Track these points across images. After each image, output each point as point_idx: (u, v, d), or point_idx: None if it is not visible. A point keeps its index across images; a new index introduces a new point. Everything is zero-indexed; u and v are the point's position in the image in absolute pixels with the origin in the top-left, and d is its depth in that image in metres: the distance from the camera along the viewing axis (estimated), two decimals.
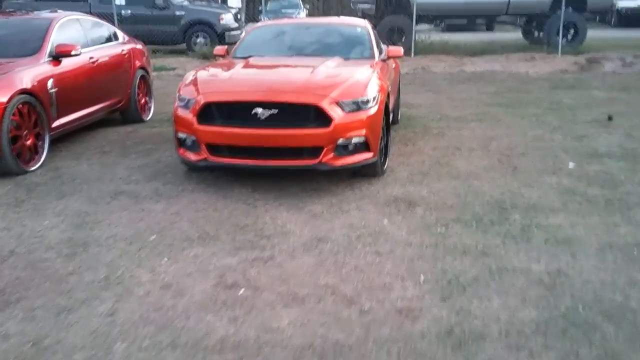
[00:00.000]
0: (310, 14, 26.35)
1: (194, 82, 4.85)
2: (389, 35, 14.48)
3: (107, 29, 7.62)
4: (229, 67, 5.19)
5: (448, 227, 3.99)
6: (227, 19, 15.27)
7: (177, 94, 4.84)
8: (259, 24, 6.52)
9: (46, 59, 5.91)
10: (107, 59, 7.09)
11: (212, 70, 5.10)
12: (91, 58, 6.68)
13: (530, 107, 8.59)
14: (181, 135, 4.76)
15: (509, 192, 4.73)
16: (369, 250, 3.60)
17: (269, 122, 4.45)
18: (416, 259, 3.48)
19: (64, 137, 6.49)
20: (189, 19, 15.17)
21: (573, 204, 4.42)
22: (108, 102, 7.10)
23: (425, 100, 9.55)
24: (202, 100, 4.56)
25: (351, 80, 4.78)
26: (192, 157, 4.71)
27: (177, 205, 4.39)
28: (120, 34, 7.91)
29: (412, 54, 14.15)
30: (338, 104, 4.50)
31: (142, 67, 8.04)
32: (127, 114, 7.72)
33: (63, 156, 5.97)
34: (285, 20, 7.19)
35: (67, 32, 6.50)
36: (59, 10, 7.05)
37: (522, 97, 9.53)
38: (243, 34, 6.43)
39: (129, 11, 14.96)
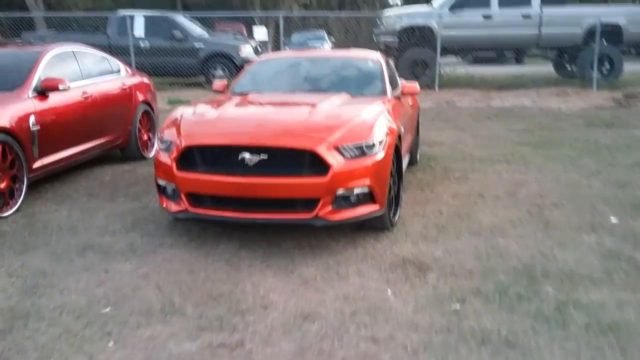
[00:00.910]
0: (335, 46, 26.09)
1: (177, 122, 4.29)
2: (412, 68, 13.92)
3: (107, 62, 7.19)
4: (219, 105, 4.62)
5: (465, 303, 3.28)
6: (247, 51, 14.93)
7: (159, 136, 4.29)
8: (263, 56, 6.00)
9: (30, 94, 5.46)
10: (103, 93, 6.64)
11: (200, 109, 4.54)
12: (84, 93, 6.23)
13: (564, 147, 7.84)
14: (161, 182, 4.19)
15: (540, 254, 4.00)
16: (363, 335, 2.91)
17: (258, 169, 3.85)
18: (422, 350, 2.78)
19: (53, 177, 6.01)
20: (208, 51, 14.89)
21: (619, 273, 3.66)
22: (103, 139, 6.63)
23: (448, 138, 8.87)
24: (182, 143, 3.99)
25: (355, 121, 4.16)
26: (172, 207, 4.13)
27: (148, 266, 3.78)
28: (122, 67, 7.49)
29: (437, 88, 13.54)
30: (338, 149, 3.88)
31: (146, 102, 7.59)
32: (126, 151, 7.24)
33: (45, 199, 5.46)
34: (290, 53, 6.65)
35: (59, 66, 6.06)
36: (52, 43, 6.66)
37: (554, 135, 8.78)
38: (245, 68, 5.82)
39: (148, 43, 14.75)
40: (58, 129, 5.68)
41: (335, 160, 3.84)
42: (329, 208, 3.89)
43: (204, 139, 3.99)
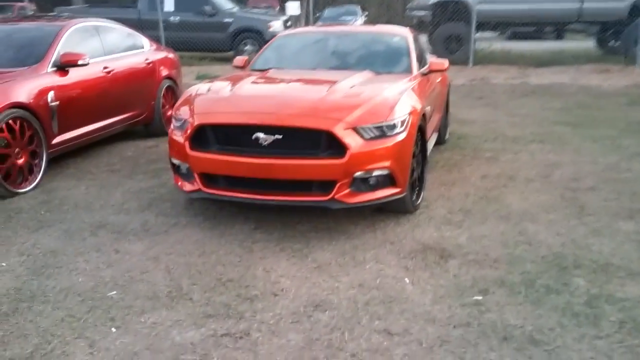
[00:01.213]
0: (368, 22, 25.57)
1: (190, 99, 4.14)
2: (446, 44, 13.48)
3: (131, 36, 7.09)
4: (235, 82, 4.45)
5: (487, 294, 3.07)
6: (276, 26, 14.68)
7: (174, 113, 4.16)
8: (285, 32, 5.78)
9: (49, 69, 5.39)
10: (125, 68, 6.54)
11: (215, 86, 4.38)
12: (105, 68, 6.14)
13: (603, 127, 7.43)
14: (175, 161, 4.07)
15: (572, 242, 3.75)
16: (376, 327, 2.74)
17: (273, 149, 3.69)
18: (437, 345, 2.60)
19: (76, 152, 5.99)
20: (237, 26, 14.72)
21: None
22: (126, 114, 6.56)
23: (481, 116, 8.54)
24: (194, 122, 3.85)
25: (375, 100, 3.94)
26: (186, 187, 4.01)
27: (159, 246, 3.68)
28: (146, 42, 7.38)
29: (471, 64, 13.08)
30: (356, 129, 3.68)
31: (170, 77, 7.48)
32: (150, 127, 7.17)
33: (66, 175, 5.42)
34: (314, 28, 6.40)
35: (80, 40, 5.98)
36: (76, 17, 6.58)
37: (594, 114, 8.34)
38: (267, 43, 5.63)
39: (178, 18, 14.66)
40: (78, 104, 5.61)
41: (353, 141, 3.64)
42: (347, 190, 3.70)
43: (217, 117, 3.83)
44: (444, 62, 5.10)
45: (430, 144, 5.40)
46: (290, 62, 5.24)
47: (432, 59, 5.12)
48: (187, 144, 3.86)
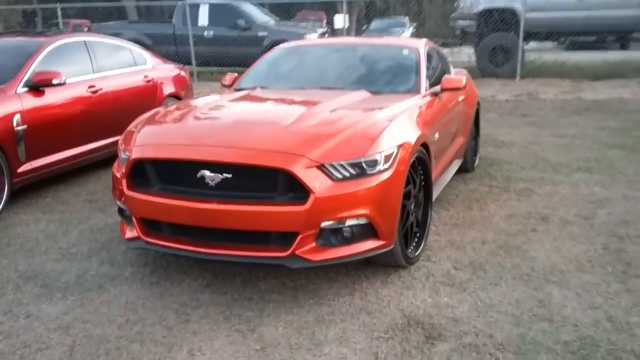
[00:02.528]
0: (416, 34, 24.71)
1: (136, 127, 3.48)
2: (492, 56, 12.44)
3: (129, 52, 6.57)
4: (196, 105, 3.77)
5: None
6: (312, 39, 14.04)
7: (119, 144, 3.51)
8: (282, 45, 5.07)
9: (21, 89, 4.89)
10: (118, 87, 6.01)
11: (171, 110, 3.71)
12: (91, 87, 5.62)
13: None
14: (118, 203, 3.41)
15: (609, 321, 2.82)
16: None
17: (222, 192, 2.96)
18: None
19: (64, 176, 5.50)
20: (272, 40, 14.15)
21: None
22: (117, 137, 5.99)
23: (522, 137, 7.55)
24: (132, 155, 3.17)
25: (355, 128, 3.15)
26: (127, 233, 3.33)
27: (80, 309, 3.01)
28: (148, 57, 6.86)
29: (518, 77, 11.98)
30: (323, 167, 2.90)
31: (175, 96, 6.93)
32: None
33: (38, 205, 4.89)
34: (315, 40, 5.66)
35: (64, 58, 5.49)
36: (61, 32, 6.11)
37: None
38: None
39: (212, 32, 14.29)
40: (53, 128, 5.09)
41: (318, 182, 2.86)
42: (312, 245, 2.93)
43: (157, 150, 3.14)
44: (460, 79, 4.25)
45: (445, 177, 4.55)
46: (279, 79, 4.52)
47: (446, 76, 4.27)
48: (124, 182, 3.19)
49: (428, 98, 4.10)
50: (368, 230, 3.02)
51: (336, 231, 2.97)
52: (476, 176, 5.66)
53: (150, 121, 3.51)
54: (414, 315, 2.89)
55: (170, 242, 3.12)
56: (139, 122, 3.58)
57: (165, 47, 14.11)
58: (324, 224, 2.90)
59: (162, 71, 6.96)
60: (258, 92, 4.17)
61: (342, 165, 2.93)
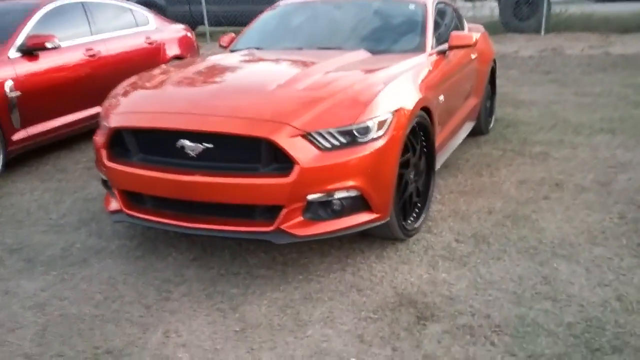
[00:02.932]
0: None
1: (117, 93, 3.30)
2: (516, 9, 11.84)
3: (130, 13, 6.35)
4: (182, 68, 3.55)
5: None
6: None
7: (100, 111, 3.33)
8: (282, 1, 4.79)
9: (13, 54, 4.73)
10: (118, 50, 5.82)
11: (159, 74, 3.49)
12: (89, 50, 5.44)
13: None
14: (100, 173, 3.26)
15: (619, 301, 2.60)
16: None
17: (204, 162, 2.78)
18: None
19: (66, 143, 5.42)
20: None
21: None
22: None
23: (543, 96, 7.18)
24: (110, 123, 3.00)
25: (345, 93, 2.91)
26: (110, 205, 3.19)
27: (60, 285, 2.90)
28: (152, 18, 6.63)
29: (542, 32, 11.40)
30: (310, 136, 2.68)
31: (179, 57, 6.71)
32: None
33: (37, 173, 4.80)
34: None
35: (60, 21, 5.30)
36: None
37: None
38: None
39: None
40: (49, 93, 4.95)
41: (304, 152, 2.65)
42: (299, 219, 2.74)
43: (135, 119, 2.95)
44: (470, 36, 3.93)
45: (454, 142, 4.31)
46: (276, 39, 4.27)
47: (454, 33, 3.96)
48: (104, 153, 3.03)
49: (434, 57, 3.82)
50: (360, 203, 2.82)
51: (325, 204, 2.78)
52: (490, 139, 5.37)
53: (133, 87, 3.32)
54: (407, 293, 2.71)
55: (153, 215, 2.96)
56: (121, 87, 3.39)
57: (179, 6, 13.82)
58: (311, 196, 2.71)
59: (166, 32, 6.74)
60: (250, 54, 3.93)
61: (330, 134, 2.71)
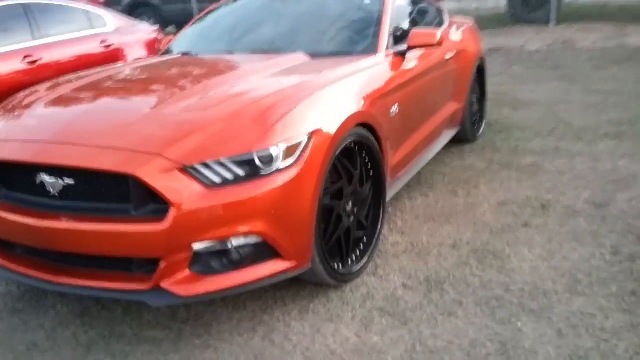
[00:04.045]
0: None
1: None
2: (524, 1, 11.06)
3: (82, 14, 5.83)
4: (73, 82, 2.98)
5: None
6: None
7: None
8: None
9: None
10: (64, 56, 5.31)
11: (41, 91, 2.93)
12: (27, 57, 4.94)
13: None
14: None
15: None
16: None
17: (68, 202, 2.22)
18: None
19: None
20: None
21: None
22: None
23: (546, 95, 6.49)
24: None
25: (244, 113, 2.31)
26: None
27: None
28: (111, 20, 6.10)
29: (552, 23, 10.61)
30: (189, 169, 2.09)
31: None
32: None
33: None
34: None
35: None
36: None
37: None
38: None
39: None
40: None
41: (180, 191, 2.06)
42: (185, 273, 2.16)
43: None
44: (434, 33, 3.29)
45: (422, 158, 3.69)
46: (209, 41, 3.70)
47: (414, 30, 3.32)
48: None
49: (390, 60, 3.20)
50: (265, 251, 2.22)
51: (219, 254, 2.19)
52: (477, 147, 4.72)
53: (4, 108, 2.76)
54: None
55: (21, 264, 2.41)
56: None
57: (172, 5, 13.37)
58: (198, 245, 2.12)
59: (129, 35, 6.21)
60: (162, 62, 3.36)
61: (222, 165, 2.12)
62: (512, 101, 6.31)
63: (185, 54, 3.55)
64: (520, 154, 4.47)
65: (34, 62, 4.97)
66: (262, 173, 2.16)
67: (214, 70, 2.99)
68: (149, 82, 2.89)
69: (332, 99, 2.54)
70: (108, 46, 5.83)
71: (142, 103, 2.47)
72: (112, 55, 5.85)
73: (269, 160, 2.17)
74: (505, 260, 2.81)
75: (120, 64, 3.46)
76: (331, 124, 2.40)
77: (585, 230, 3.09)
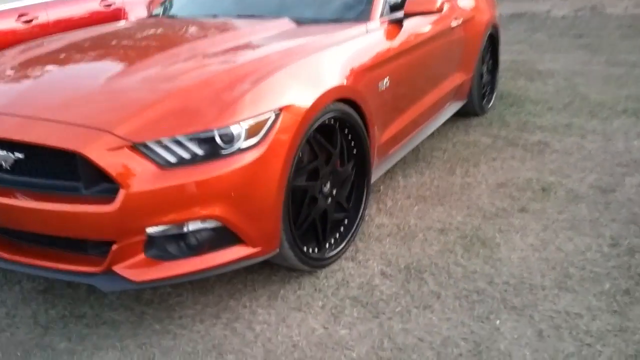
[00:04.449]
0: None
1: None
2: None
3: None
4: (45, 45, 2.83)
5: None
6: None
7: None
8: None
9: None
10: (61, 16, 5.15)
11: (11, 55, 2.78)
12: (22, 16, 4.79)
13: None
14: None
15: None
16: None
17: (21, 177, 2.10)
18: None
19: None
20: None
21: None
22: None
23: (567, 65, 6.17)
24: None
25: (207, 85, 2.14)
26: None
27: None
28: None
29: None
30: (141, 147, 1.94)
31: None
32: None
33: None
34: None
35: None
36: None
37: None
38: None
39: None
40: None
41: (131, 171, 1.92)
42: (140, 256, 2.03)
43: None
44: (432, 1, 3.05)
45: (420, 134, 3.49)
46: (196, 3, 3.49)
47: None
48: None
49: (384, 27, 2.97)
50: (225, 236, 2.08)
51: (176, 238, 2.06)
52: (484, 122, 4.49)
53: None
54: None
55: None
56: None
57: None
58: (151, 229, 1.99)
59: None
60: (141, 25, 3.18)
61: (178, 143, 1.97)
62: (529, 71, 6.01)
63: (170, 16, 3.36)
64: (529, 130, 4.23)
65: (29, 21, 4.82)
66: (223, 153, 2.00)
67: (188, 36, 2.80)
68: (117, 48, 2.72)
69: (309, 71, 2.34)
70: (109, 5, 5.64)
71: (102, 72, 2.30)
72: (113, 15, 5.67)
73: (230, 139, 2.00)
74: (494, 249, 2.63)
75: (99, 26, 3.29)
76: (305, 100, 2.22)
77: (585, 217, 2.88)
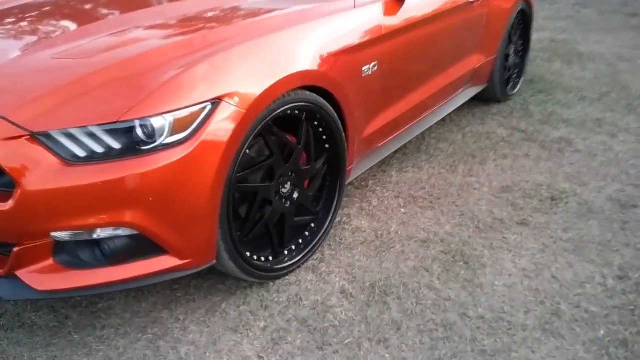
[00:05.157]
0: None
1: None
2: None
3: None
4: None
5: None
6: None
7: None
8: None
9: None
10: None
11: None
12: None
13: None
14: None
15: None
16: None
17: None
18: None
19: None
20: None
21: None
22: None
23: (612, 48, 5.58)
24: None
25: (129, 66, 1.81)
26: None
27: None
28: None
29: None
30: (42, 137, 1.64)
31: None
32: None
33: None
34: None
35: None
36: None
37: None
38: None
39: None
40: None
41: (28, 165, 1.63)
42: (47, 262, 1.77)
43: None
44: None
45: (419, 125, 3.10)
46: None
47: None
48: None
49: (381, 1, 2.56)
50: (145, 245, 1.79)
51: (91, 243, 1.78)
52: (505, 110, 4.04)
53: None
54: None
55: None
56: None
57: None
58: (57, 234, 1.71)
59: None
60: None
61: (90, 134, 1.66)
62: (568, 53, 5.44)
63: None
64: (553, 124, 3.77)
65: None
66: (142, 148, 1.69)
67: (124, 4, 2.45)
68: (38, 18, 2.40)
69: (264, 53, 1.98)
70: None
71: (12, 47, 2.00)
72: None
73: (150, 133, 1.69)
74: (478, 271, 2.27)
75: None
76: (254, 87, 1.87)
77: (594, 239, 2.48)
